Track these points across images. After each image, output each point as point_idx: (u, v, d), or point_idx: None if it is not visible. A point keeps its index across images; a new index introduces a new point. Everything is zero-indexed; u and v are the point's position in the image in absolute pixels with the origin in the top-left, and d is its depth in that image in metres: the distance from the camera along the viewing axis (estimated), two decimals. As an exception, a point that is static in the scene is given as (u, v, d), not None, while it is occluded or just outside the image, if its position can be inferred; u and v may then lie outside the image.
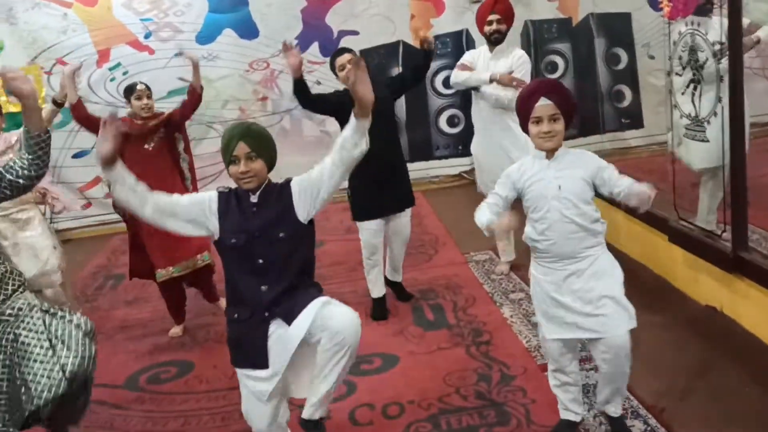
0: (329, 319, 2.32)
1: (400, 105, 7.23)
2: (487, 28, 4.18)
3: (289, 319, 2.35)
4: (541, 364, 3.21)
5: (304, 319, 2.31)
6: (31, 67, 6.71)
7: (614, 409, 2.64)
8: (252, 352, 2.38)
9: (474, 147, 4.61)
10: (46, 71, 6.74)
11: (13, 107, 6.62)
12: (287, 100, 6.97)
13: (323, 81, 6.97)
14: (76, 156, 6.87)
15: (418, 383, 3.23)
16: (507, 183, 2.54)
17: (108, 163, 2.25)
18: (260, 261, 2.33)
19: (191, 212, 2.37)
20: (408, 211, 4.05)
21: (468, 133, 7.34)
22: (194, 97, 4.11)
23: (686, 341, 3.36)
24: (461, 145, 7.42)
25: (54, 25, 6.66)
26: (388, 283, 4.18)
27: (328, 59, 6.84)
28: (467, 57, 4.46)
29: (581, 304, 2.43)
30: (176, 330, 4.17)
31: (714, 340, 3.34)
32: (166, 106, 6.85)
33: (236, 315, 2.40)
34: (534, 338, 3.50)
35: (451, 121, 7.37)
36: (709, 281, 3.63)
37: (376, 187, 3.81)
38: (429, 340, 3.68)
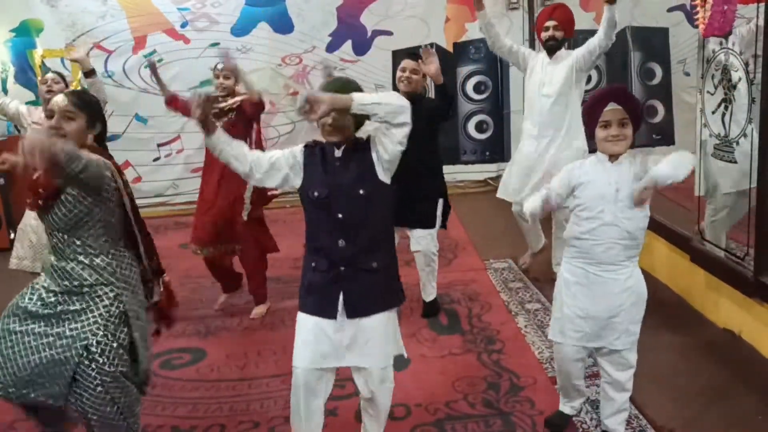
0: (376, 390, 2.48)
1: (430, 107, 7.22)
2: (543, 34, 4.20)
3: (351, 306, 2.37)
4: (551, 377, 3.19)
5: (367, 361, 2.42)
6: (69, 49, 6.82)
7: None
8: (322, 301, 2.39)
9: (522, 150, 4.43)
10: (84, 55, 6.84)
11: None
12: (317, 96, 7.00)
13: (355, 79, 7.02)
14: (108, 139, 6.96)
15: (427, 387, 3.23)
16: (565, 179, 2.54)
17: (207, 130, 2.30)
18: (339, 216, 2.33)
19: (287, 162, 2.37)
20: (425, 233, 3.94)
21: (496, 140, 7.36)
22: (260, 104, 4.09)
23: (702, 364, 3.32)
24: (488, 151, 7.41)
25: (94, 10, 6.78)
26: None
27: (360, 58, 7.01)
28: (528, 51, 4.46)
29: (606, 319, 2.50)
30: (219, 299, 4.35)
31: (730, 364, 3.29)
32: (198, 96, 6.96)
33: (314, 264, 2.41)
34: (547, 350, 3.48)
35: (480, 127, 7.34)
36: (729, 304, 3.57)
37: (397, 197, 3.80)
38: (441, 344, 3.68)
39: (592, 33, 7.04)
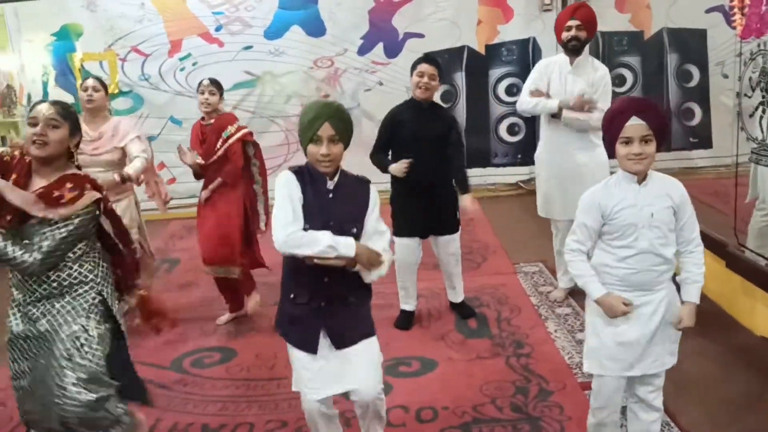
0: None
1: (461, 110, 7.21)
2: (564, 35, 3.89)
3: (337, 338, 2.35)
4: (581, 382, 3.16)
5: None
6: (107, 53, 6.99)
7: None
8: (303, 335, 2.37)
9: (545, 171, 4.17)
10: (121, 58, 6.99)
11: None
12: (348, 98, 7.04)
13: (385, 82, 7.06)
14: (144, 141, 7.10)
15: (455, 390, 3.21)
16: (594, 212, 2.31)
17: None
18: None
19: (297, 202, 2.28)
20: (450, 238, 3.92)
21: (528, 142, 7.30)
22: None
23: (736, 372, 3.25)
24: (520, 154, 7.36)
25: (131, 14, 6.91)
26: (451, 305, 4.12)
27: (392, 60, 7.02)
28: (540, 69, 4.10)
29: (645, 343, 2.35)
30: (222, 318, 4.26)
31: (766, 373, 3.22)
32: (231, 98, 7.07)
33: (293, 296, 2.37)
34: (577, 355, 3.44)
35: (512, 130, 7.30)
36: (766, 311, 3.49)
37: (416, 207, 3.79)
38: (469, 347, 3.66)
39: (627, 35, 7.07)
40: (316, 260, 2.21)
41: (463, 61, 7.15)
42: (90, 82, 4.07)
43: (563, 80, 3.97)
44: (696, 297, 2.33)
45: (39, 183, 2.33)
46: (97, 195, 2.35)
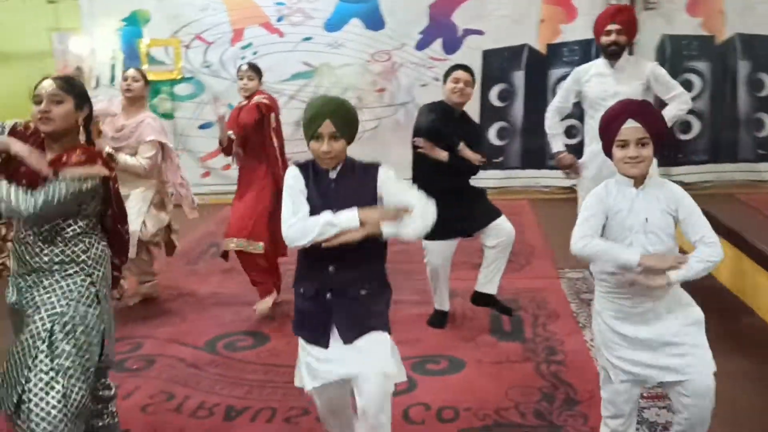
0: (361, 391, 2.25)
1: (518, 109, 7.09)
2: (604, 39, 3.81)
3: (344, 331, 2.28)
4: (611, 394, 3.06)
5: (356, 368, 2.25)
6: (172, 39, 7.19)
7: None
8: (315, 333, 2.33)
9: (587, 177, 4.09)
10: (185, 45, 7.18)
11: (154, 75, 7.12)
12: (404, 93, 7.03)
13: (442, 78, 6.98)
14: (201, 127, 7.29)
15: (479, 392, 3.17)
16: (600, 207, 2.27)
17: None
18: None
19: (303, 196, 2.29)
20: (501, 220, 3.77)
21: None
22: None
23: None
24: (578, 156, 7.17)
25: (196, 2, 7.10)
26: (479, 298, 3.89)
27: (450, 57, 6.96)
28: (575, 76, 4.04)
29: (660, 344, 2.25)
30: (263, 307, 4.19)
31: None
32: (289, 88, 7.17)
33: (302, 290, 2.37)
34: (610, 366, 3.33)
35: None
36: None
37: (445, 210, 3.69)
38: (500, 350, 3.60)
39: (697, 39, 6.80)
40: (324, 244, 2.17)
41: (522, 59, 7.03)
42: (131, 72, 4.23)
43: (604, 83, 3.89)
44: (678, 274, 2.16)
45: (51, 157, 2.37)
46: (105, 172, 2.38)
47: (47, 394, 2.22)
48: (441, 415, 2.99)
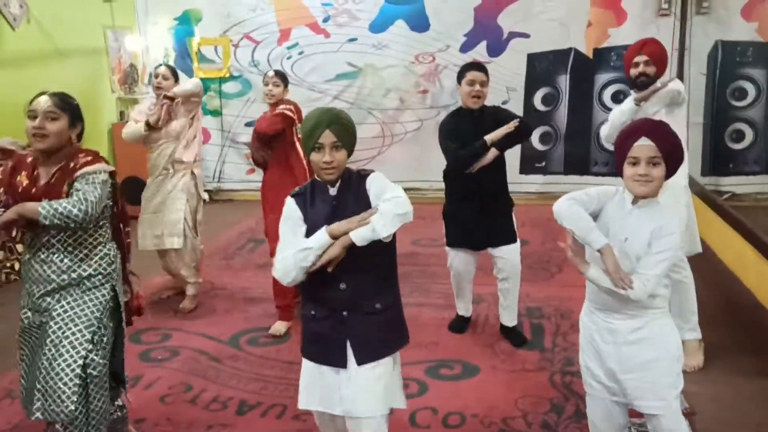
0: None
1: (561, 114, 6.99)
2: (632, 71, 3.66)
3: (362, 352, 2.24)
4: (623, 409, 3.01)
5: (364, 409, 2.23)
6: (221, 38, 7.37)
7: None
8: (330, 352, 2.25)
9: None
10: (234, 44, 7.35)
11: (203, 73, 7.33)
12: (447, 95, 7.02)
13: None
14: (248, 124, 7.42)
15: (488, 399, 3.16)
16: (602, 199, 2.24)
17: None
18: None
19: (297, 229, 2.25)
20: (511, 248, 3.71)
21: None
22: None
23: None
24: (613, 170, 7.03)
25: (247, 2, 7.25)
26: (501, 329, 3.87)
27: (494, 59, 6.92)
28: (615, 112, 3.83)
29: (620, 369, 2.22)
30: (277, 327, 4.05)
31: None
32: (333, 89, 7.25)
33: (313, 312, 2.29)
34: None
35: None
36: None
37: (470, 217, 3.66)
38: (516, 358, 3.58)
39: (752, 45, 6.55)
40: (312, 269, 2.15)
41: (568, 63, 6.91)
42: (162, 70, 4.36)
43: (636, 114, 3.65)
44: (597, 275, 2.12)
45: (45, 176, 2.41)
46: (111, 168, 2.48)
47: (75, 401, 2.37)
48: (447, 421, 3.00)
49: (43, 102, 2.38)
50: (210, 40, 7.40)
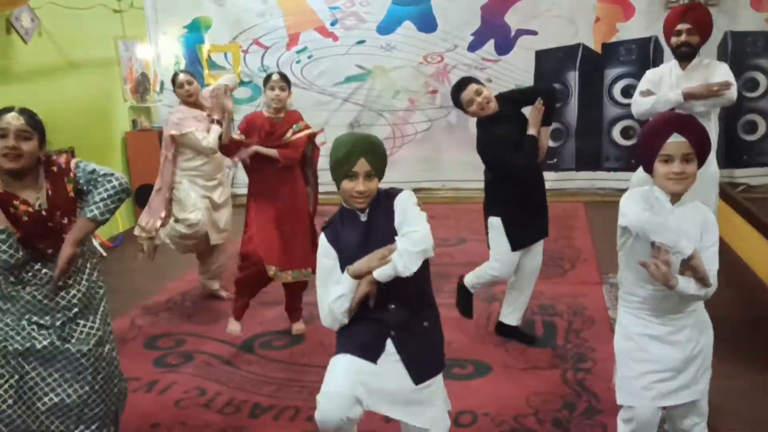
0: None
1: (572, 110, 6.96)
2: (674, 39, 3.58)
3: (417, 371, 2.24)
4: (635, 405, 3.00)
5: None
6: (231, 45, 7.42)
7: None
8: (366, 342, 2.24)
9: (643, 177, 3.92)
10: (243, 50, 7.40)
11: (214, 79, 7.37)
12: (456, 95, 7.01)
13: (495, 79, 6.95)
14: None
15: (500, 398, 3.17)
16: (648, 202, 2.19)
17: None
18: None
19: (333, 264, 2.24)
20: (541, 242, 3.69)
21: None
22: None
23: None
24: (634, 158, 6.99)
25: (255, 8, 7.29)
26: (503, 329, 3.80)
27: (502, 57, 6.91)
28: (649, 77, 3.80)
29: (685, 364, 2.24)
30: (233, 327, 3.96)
31: None
32: (343, 91, 7.28)
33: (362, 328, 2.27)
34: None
35: (626, 133, 6.94)
36: None
37: (534, 214, 3.56)
38: (529, 356, 3.58)
39: (763, 35, 6.49)
40: (354, 309, 2.18)
41: (577, 59, 6.89)
42: (183, 77, 4.39)
43: (678, 84, 3.64)
44: (687, 285, 2.10)
45: (36, 196, 2.32)
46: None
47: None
48: (458, 420, 3.01)
49: (13, 120, 2.25)
50: (220, 47, 7.46)
